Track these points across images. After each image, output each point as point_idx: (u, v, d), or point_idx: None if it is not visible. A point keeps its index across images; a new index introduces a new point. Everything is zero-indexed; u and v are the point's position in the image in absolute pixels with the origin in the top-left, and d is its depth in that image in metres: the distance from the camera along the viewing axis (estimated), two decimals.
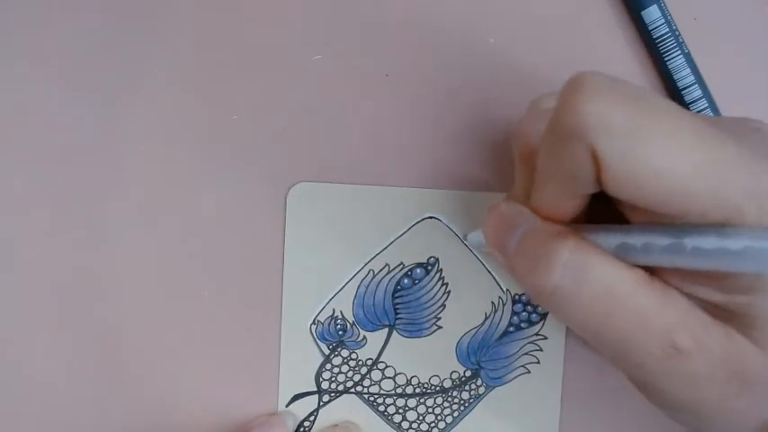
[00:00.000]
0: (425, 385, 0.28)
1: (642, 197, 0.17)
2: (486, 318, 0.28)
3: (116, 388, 0.27)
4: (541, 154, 0.20)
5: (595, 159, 0.17)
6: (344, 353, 0.28)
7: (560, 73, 0.27)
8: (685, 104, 0.27)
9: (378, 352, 0.28)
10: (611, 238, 0.19)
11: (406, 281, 0.27)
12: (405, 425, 0.28)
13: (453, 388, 0.28)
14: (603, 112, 0.17)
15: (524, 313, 0.28)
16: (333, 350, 0.28)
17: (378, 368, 0.28)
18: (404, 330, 0.28)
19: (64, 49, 0.27)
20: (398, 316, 0.28)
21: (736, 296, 0.18)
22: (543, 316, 0.28)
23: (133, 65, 0.27)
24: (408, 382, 0.28)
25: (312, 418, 0.28)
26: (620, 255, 0.19)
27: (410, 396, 0.28)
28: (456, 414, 0.28)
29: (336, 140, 0.28)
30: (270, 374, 0.28)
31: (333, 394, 0.28)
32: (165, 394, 0.28)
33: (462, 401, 0.28)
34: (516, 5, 0.28)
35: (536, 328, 0.28)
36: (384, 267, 0.27)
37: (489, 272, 0.27)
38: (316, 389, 0.28)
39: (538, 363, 0.28)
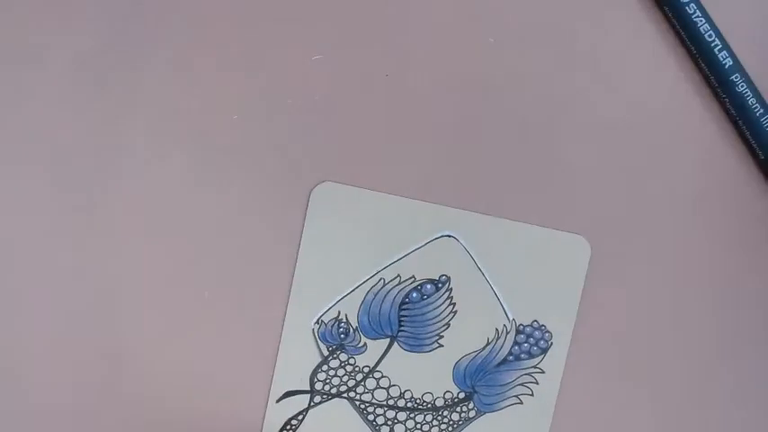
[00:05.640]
0: (418, 401, 0.28)
1: None
2: (488, 343, 0.27)
3: (116, 386, 0.28)
4: None
5: None
6: (343, 357, 0.28)
7: (561, 73, 0.26)
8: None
9: (376, 361, 0.28)
10: None
11: (414, 294, 0.27)
12: None
13: (445, 408, 0.27)
14: None
15: (526, 344, 0.27)
16: (332, 352, 0.28)
17: (373, 377, 0.28)
18: (405, 343, 0.27)
19: (64, 49, 0.28)
20: (402, 328, 0.27)
21: None
22: (544, 350, 0.27)
23: (133, 65, 0.28)
24: (401, 396, 0.27)
25: (300, 417, 0.28)
26: None
27: (401, 409, 0.28)
28: None
29: (336, 141, 0.27)
30: (265, 368, 0.28)
31: (325, 396, 0.28)
32: (165, 387, 0.28)
33: (452, 422, 0.27)
34: (516, 5, 0.27)
35: (535, 361, 0.27)
36: (395, 278, 0.27)
37: (498, 298, 0.27)
38: (309, 388, 0.28)
39: (531, 395, 0.27)
